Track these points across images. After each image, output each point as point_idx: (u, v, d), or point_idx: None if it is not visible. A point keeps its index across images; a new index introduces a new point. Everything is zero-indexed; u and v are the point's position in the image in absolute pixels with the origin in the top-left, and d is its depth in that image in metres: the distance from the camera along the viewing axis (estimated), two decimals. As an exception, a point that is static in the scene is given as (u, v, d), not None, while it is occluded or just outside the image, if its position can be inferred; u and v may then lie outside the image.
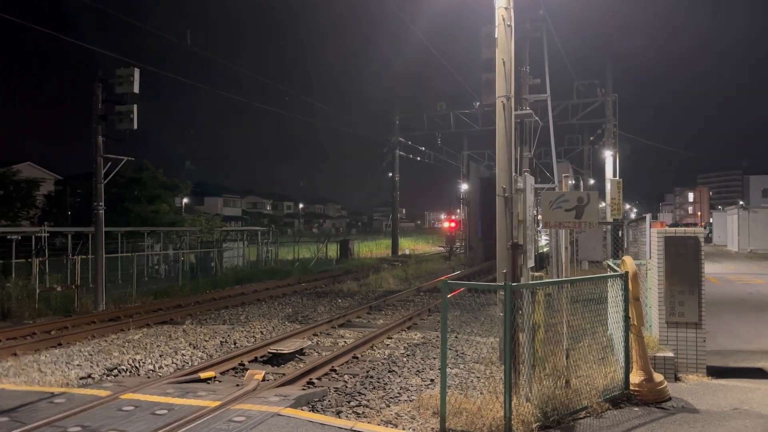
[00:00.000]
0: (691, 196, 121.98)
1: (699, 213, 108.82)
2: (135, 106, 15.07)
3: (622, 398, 6.53)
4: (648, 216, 8.74)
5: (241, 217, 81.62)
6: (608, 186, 27.45)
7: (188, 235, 28.12)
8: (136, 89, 15.08)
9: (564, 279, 6.68)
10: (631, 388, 6.67)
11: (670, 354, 7.57)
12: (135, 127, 15.14)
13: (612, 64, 31.17)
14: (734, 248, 39.05)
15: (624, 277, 6.69)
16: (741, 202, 63.60)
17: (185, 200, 51.52)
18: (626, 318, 6.71)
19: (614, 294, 7.04)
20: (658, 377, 6.79)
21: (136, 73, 15.05)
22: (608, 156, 28.72)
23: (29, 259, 15.81)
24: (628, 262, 6.86)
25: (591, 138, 36.41)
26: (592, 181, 40.72)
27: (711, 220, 68.20)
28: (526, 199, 6.77)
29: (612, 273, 7.34)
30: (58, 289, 15.12)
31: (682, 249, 7.81)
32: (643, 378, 6.67)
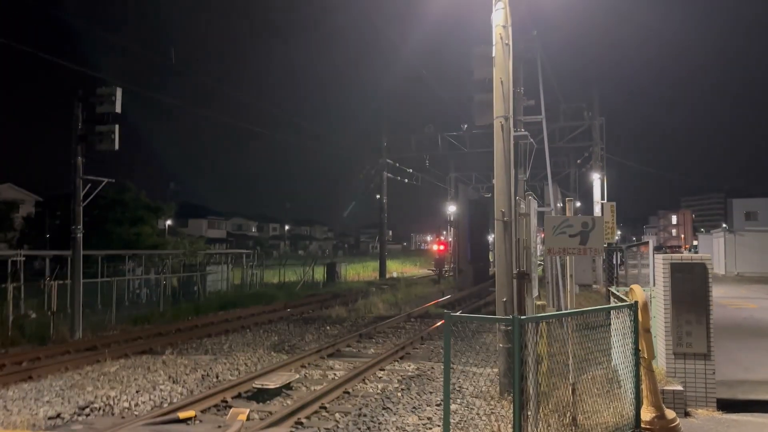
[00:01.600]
0: (674, 219, 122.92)
1: (683, 236, 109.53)
2: (117, 126, 14.60)
3: (633, 437, 6.11)
4: (651, 240, 8.42)
5: (226, 240, 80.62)
6: (597, 209, 27.38)
7: (171, 258, 27.43)
8: (118, 109, 14.62)
9: (573, 311, 6.28)
10: (642, 426, 6.25)
11: (679, 387, 7.19)
12: (117, 147, 14.66)
13: (598, 87, 31.42)
14: (721, 271, 39.03)
15: (633, 307, 6.32)
16: (724, 225, 64.05)
17: (169, 222, 50.65)
18: (636, 351, 6.32)
19: (619, 324, 6.66)
20: (670, 414, 6.39)
21: (118, 92, 14.60)
22: (596, 179, 28.69)
23: (2, 285, 15.12)
24: (638, 291, 6.49)
25: (578, 161, 36.43)
26: (578, 204, 40.69)
27: (695, 243, 68.59)
28: (531, 224, 6.39)
29: (620, 303, 6.98)
30: (33, 315, 14.46)
31: (688, 276, 7.47)
32: (654, 415, 6.26)
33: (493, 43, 8.03)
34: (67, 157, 15.01)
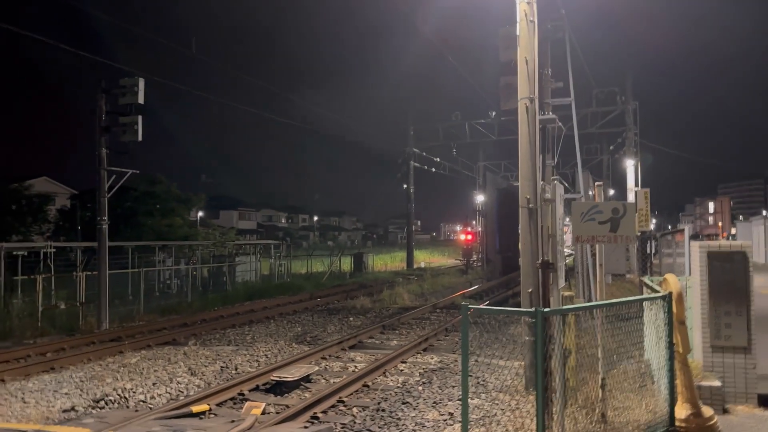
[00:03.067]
0: (711, 207, 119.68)
1: (720, 223, 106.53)
2: (140, 117, 14.58)
3: (667, 436, 5.74)
4: (687, 228, 7.96)
5: (256, 230, 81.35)
6: (630, 196, 26.56)
7: (201, 249, 27.61)
8: (141, 100, 14.60)
9: (601, 302, 5.91)
10: (677, 423, 5.87)
11: (717, 383, 6.77)
12: (140, 138, 14.65)
13: (632, 69, 30.42)
14: (761, 260, 37.67)
15: (667, 298, 5.92)
16: (765, 212, 61.94)
17: (201, 214, 51.25)
18: (670, 344, 5.92)
19: (652, 315, 6.27)
20: (707, 411, 5.98)
21: (141, 83, 14.56)
22: (630, 165, 27.86)
23: (32, 276, 15.30)
24: (672, 281, 6.08)
25: (611, 147, 35.49)
26: (612, 192, 39.70)
27: (733, 231, 66.58)
28: (556, 211, 6.02)
29: (653, 294, 6.57)
30: (62, 306, 14.59)
31: (727, 265, 7.02)
32: (690, 412, 5.87)
33: (517, 20, 7.64)
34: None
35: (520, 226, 6.96)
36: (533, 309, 4.72)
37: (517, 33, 7.75)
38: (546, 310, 4.62)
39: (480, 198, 36.34)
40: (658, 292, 6.62)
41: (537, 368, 4.51)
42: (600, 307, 5.66)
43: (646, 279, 8.24)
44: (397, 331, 13.06)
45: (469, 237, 35.88)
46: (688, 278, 7.67)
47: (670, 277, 6.20)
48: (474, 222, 37.72)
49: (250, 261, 27.79)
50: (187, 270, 22.92)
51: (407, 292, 20.14)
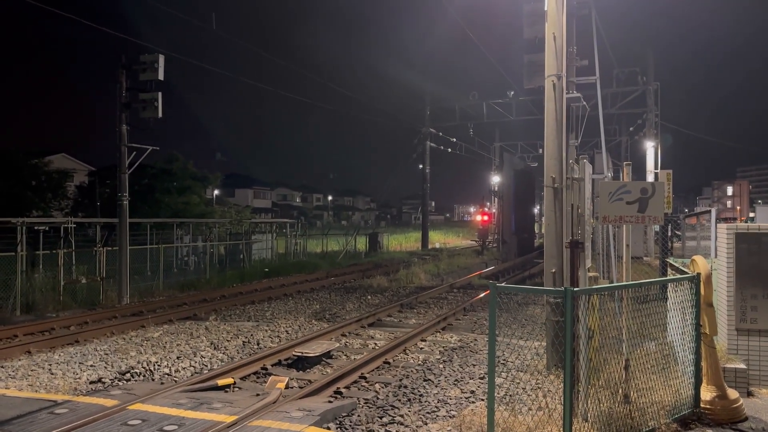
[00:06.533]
0: (729, 190, 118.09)
1: (738, 207, 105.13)
2: (159, 94, 14.60)
3: (691, 418, 5.74)
4: (714, 210, 7.85)
5: (270, 209, 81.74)
6: (650, 179, 26.23)
7: (217, 226, 27.79)
8: (161, 76, 14.59)
9: (632, 283, 5.86)
10: (702, 405, 5.84)
11: (742, 366, 6.72)
12: (160, 115, 14.69)
13: (654, 51, 29.85)
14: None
15: (695, 279, 5.85)
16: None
17: (216, 192, 51.53)
18: (697, 326, 5.87)
19: (678, 297, 6.21)
20: (732, 394, 5.95)
21: (161, 59, 14.55)
22: (650, 147, 27.49)
23: (54, 251, 15.49)
24: (701, 263, 6.01)
25: (630, 128, 35.01)
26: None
27: (752, 215, 65.78)
28: (585, 190, 5.94)
29: (680, 275, 6.50)
30: (83, 281, 14.78)
31: (755, 247, 6.94)
32: (715, 394, 5.84)
33: (546, -5, 7.49)
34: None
35: (544, 206, 6.90)
36: (563, 288, 4.68)
37: (545, 8, 7.61)
38: (576, 289, 4.58)
39: (496, 179, 36.13)
40: (684, 273, 6.56)
41: (566, 349, 4.49)
42: (630, 288, 5.62)
43: (671, 260, 8.16)
44: (415, 310, 13.10)
45: (485, 218, 35.74)
46: (713, 260, 7.58)
47: (699, 259, 6.13)
48: (489, 203, 37.55)
49: (266, 239, 27.95)
50: (204, 247, 23.11)
51: (423, 272, 20.17)
